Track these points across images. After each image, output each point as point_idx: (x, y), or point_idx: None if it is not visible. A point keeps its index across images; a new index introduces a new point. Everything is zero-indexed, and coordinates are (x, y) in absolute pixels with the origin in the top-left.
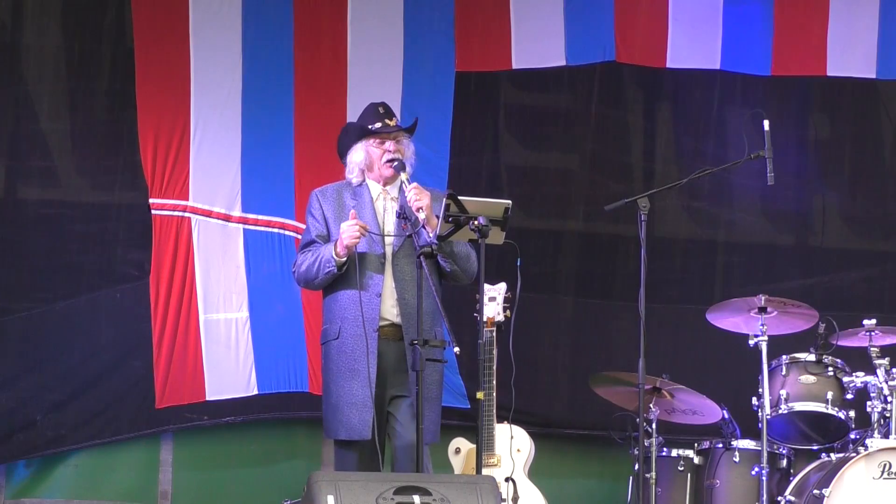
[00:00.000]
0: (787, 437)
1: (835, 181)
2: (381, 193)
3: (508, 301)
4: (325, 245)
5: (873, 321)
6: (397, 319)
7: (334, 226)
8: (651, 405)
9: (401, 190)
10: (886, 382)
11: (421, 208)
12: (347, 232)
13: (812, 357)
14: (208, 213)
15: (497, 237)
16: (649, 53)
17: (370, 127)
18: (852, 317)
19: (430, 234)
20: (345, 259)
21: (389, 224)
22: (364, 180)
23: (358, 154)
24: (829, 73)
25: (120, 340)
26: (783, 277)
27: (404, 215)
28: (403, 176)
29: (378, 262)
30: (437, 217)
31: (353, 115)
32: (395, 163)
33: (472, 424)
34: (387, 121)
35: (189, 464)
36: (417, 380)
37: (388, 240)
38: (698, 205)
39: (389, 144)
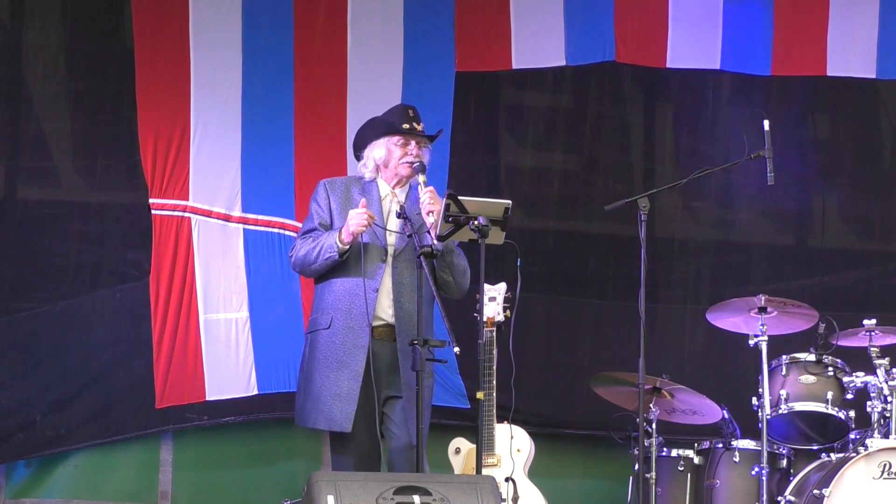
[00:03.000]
0: (787, 437)
1: (835, 181)
2: (389, 195)
3: (508, 301)
4: (328, 233)
5: (873, 321)
6: (392, 320)
7: (338, 218)
8: (651, 405)
9: (408, 194)
10: (886, 382)
11: (431, 212)
12: (356, 219)
13: (812, 357)
14: (208, 213)
15: (497, 237)
16: (649, 53)
17: (400, 126)
18: (852, 317)
19: (435, 241)
20: (347, 247)
21: (392, 225)
22: (375, 178)
23: (379, 150)
24: (829, 73)
25: (120, 340)
26: (783, 277)
27: (404, 215)
28: (422, 178)
29: (380, 256)
30: None
31: (353, 116)
32: (416, 164)
33: (472, 424)
34: (415, 125)
35: (189, 464)
36: (417, 380)
37: (391, 240)
38: (698, 205)
39: (413, 147)
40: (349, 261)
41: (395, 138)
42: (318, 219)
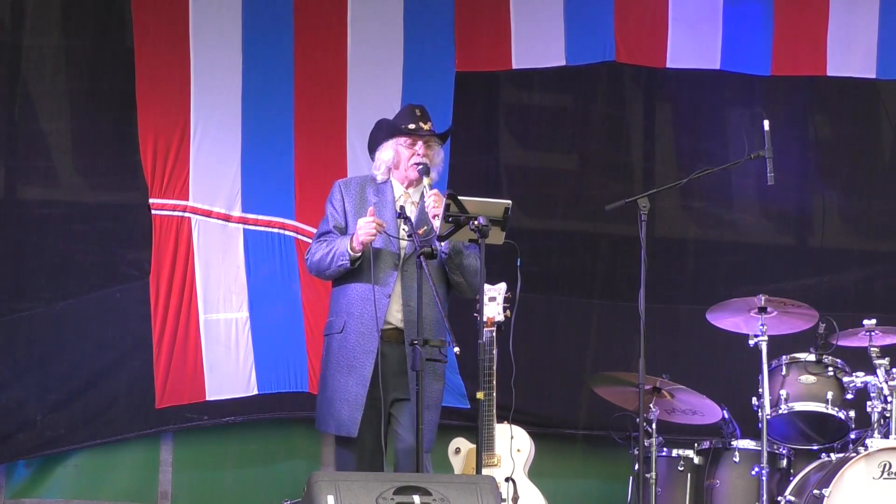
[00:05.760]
0: (787, 437)
1: (835, 181)
2: (403, 195)
3: (508, 301)
4: (341, 238)
5: (873, 321)
6: (401, 324)
7: (353, 219)
8: (651, 405)
9: (422, 195)
10: (886, 382)
11: (437, 216)
12: (364, 229)
13: (812, 357)
14: (208, 213)
15: (497, 237)
16: (649, 53)
17: (404, 126)
18: (852, 317)
19: (442, 245)
20: (359, 255)
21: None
22: (388, 178)
23: (387, 152)
24: (829, 73)
25: (120, 340)
26: (783, 277)
27: (404, 215)
28: (426, 181)
29: (392, 262)
30: None
31: (353, 116)
32: (421, 166)
33: (472, 424)
34: (421, 124)
35: (189, 464)
36: (417, 379)
37: (403, 244)
38: (698, 205)
39: (420, 147)
40: (363, 266)
41: (402, 139)
42: (333, 221)
